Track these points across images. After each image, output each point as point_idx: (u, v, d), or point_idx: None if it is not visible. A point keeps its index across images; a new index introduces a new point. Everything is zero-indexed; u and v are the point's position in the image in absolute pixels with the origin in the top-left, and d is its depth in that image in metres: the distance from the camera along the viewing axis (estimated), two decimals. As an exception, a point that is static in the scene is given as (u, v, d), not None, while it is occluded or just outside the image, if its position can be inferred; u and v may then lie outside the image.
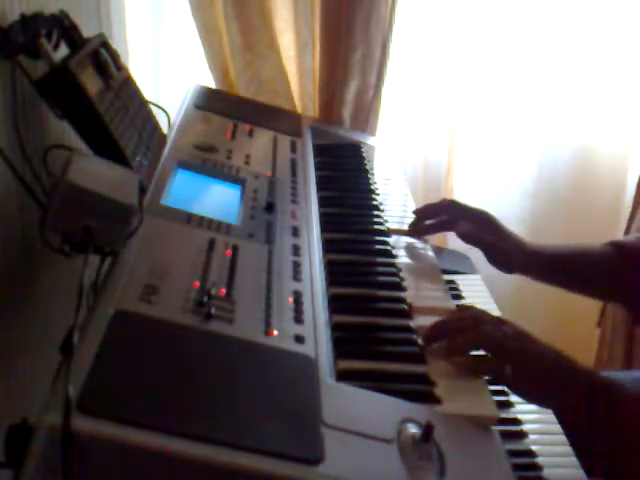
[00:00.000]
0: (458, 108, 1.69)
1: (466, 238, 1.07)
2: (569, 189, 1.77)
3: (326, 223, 1.03)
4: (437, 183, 1.74)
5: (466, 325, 0.80)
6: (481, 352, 0.79)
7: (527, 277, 1.11)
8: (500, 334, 0.77)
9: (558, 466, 0.79)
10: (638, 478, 0.76)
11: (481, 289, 1.19)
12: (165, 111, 1.17)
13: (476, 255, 1.18)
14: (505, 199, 1.78)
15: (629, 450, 0.76)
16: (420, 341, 0.81)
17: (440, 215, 1.11)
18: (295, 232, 0.93)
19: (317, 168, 1.20)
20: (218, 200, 0.97)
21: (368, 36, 1.41)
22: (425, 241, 1.10)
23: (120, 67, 1.01)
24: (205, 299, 0.70)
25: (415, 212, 1.11)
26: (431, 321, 0.83)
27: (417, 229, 1.09)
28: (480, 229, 1.07)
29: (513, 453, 0.74)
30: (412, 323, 0.85)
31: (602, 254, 1.06)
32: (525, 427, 0.85)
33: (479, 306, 0.88)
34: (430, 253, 1.07)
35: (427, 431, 0.63)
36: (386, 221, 1.10)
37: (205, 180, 1.00)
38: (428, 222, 1.11)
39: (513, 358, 0.76)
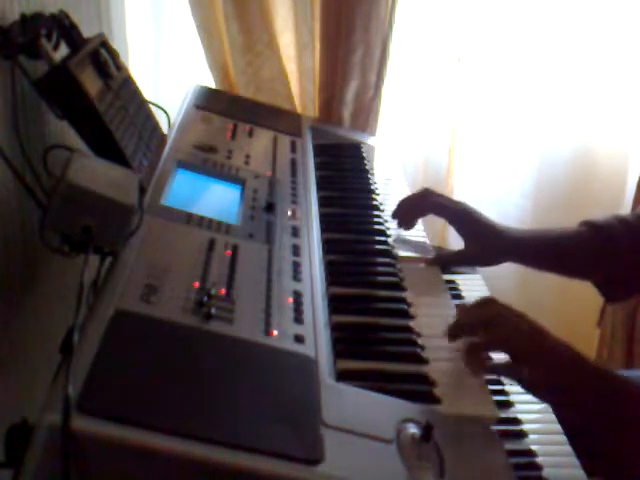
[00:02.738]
0: (458, 108, 1.69)
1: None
2: (569, 189, 1.77)
3: (326, 223, 1.03)
4: (437, 183, 1.74)
5: (489, 323, 0.79)
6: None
7: (509, 262, 1.12)
8: (520, 335, 0.77)
9: (558, 466, 0.79)
10: None
11: (481, 289, 1.18)
12: (165, 111, 1.17)
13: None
14: (505, 199, 1.77)
15: (635, 446, 0.75)
16: (420, 341, 0.81)
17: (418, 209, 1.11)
18: (295, 232, 0.93)
19: (317, 168, 1.20)
20: (218, 200, 0.97)
21: (368, 36, 1.41)
22: (425, 241, 1.10)
23: (120, 67, 1.01)
24: (205, 299, 0.70)
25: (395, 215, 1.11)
26: (431, 321, 0.83)
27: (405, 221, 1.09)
28: (459, 224, 1.07)
29: (513, 453, 0.74)
30: (412, 323, 0.85)
31: (576, 234, 1.07)
32: (525, 427, 0.85)
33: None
34: (430, 253, 1.07)
35: (427, 431, 0.63)
36: (386, 221, 1.10)
37: (205, 180, 1.00)
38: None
39: (532, 360, 0.76)
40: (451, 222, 1.07)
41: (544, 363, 0.76)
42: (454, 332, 0.81)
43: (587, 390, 0.76)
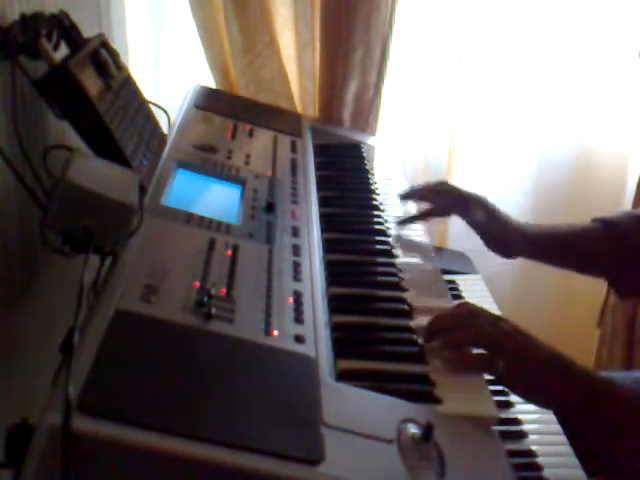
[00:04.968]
0: (458, 108, 1.69)
1: (474, 225, 1.12)
2: (569, 189, 1.77)
3: (326, 223, 1.03)
4: (437, 183, 1.74)
5: (462, 321, 0.80)
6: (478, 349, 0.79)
7: (524, 258, 1.13)
8: (496, 330, 0.78)
9: (558, 466, 0.79)
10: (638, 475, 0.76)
11: (481, 289, 1.19)
12: (165, 111, 1.17)
13: (476, 255, 1.18)
14: (505, 199, 1.77)
15: (628, 447, 0.76)
16: (420, 341, 0.81)
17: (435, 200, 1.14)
18: (295, 232, 0.93)
19: (317, 168, 1.20)
20: (218, 200, 0.97)
21: (368, 36, 1.41)
22: (425, 241, 1.10)
23: (120, 67, 1.01)
24: (205, 299, 0.70)
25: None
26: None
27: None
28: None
29: (513, 453, 0.74)
30: (412, 323, 0.85)
31: (591, 231, 1.08)
32: (525, 427, 0.85)
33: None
34: (430, 253, 1.07)
35: (427, 431, 0.63)
36: (386, 221, 1.10)
37: (205, 180, 1.00)
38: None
39: (509, 354, 0.76)
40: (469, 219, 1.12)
41: (523, 361, 0.77)
42: (431, 332, 0.81)
43: (574, 392, 0.76)
